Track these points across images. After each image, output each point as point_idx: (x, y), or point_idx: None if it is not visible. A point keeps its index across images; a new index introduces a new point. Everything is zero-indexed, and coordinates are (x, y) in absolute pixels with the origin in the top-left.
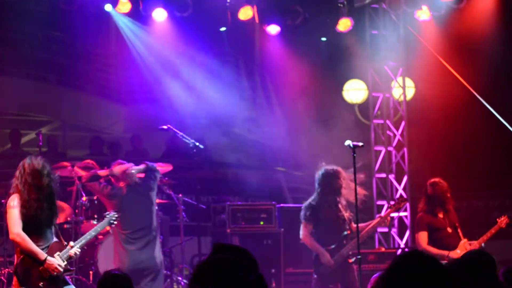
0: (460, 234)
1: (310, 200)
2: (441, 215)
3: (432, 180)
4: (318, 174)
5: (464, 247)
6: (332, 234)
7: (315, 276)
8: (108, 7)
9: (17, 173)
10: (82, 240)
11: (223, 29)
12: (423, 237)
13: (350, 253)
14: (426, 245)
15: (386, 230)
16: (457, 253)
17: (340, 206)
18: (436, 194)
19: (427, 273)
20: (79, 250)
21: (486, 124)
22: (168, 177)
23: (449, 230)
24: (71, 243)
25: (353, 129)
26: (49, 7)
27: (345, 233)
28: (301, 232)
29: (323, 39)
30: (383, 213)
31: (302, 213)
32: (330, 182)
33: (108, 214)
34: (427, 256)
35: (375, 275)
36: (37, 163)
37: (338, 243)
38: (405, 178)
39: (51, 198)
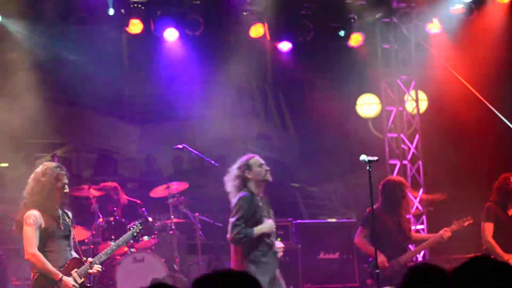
0: None
1: (374, 206)
2: (510, 212)
3: (507, 174)
4: (383, 183)
5: None
6: (390, 242)
7: (370, 280)
8: (111, 11)
9: (33, 183)
10: (103, 256)
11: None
12: (489, 229)
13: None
14: (490, 238)
15: None
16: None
17: (400, 216)
18: (509, 189)
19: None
20: (100, 266)
21: (500, 135)
22: (184, 196)
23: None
24: (90, 259)
25: (367, 143)
26: (60, 27)
27: (403, 243)
28: (356, 236)
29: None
30: (445, 229)
31: (362, 218)
32: (394, 191)
33: (132, 227)
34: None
35: None
36: (57, 167)
37: (395, 251)
38: (420, 191)
39: (68, 207)
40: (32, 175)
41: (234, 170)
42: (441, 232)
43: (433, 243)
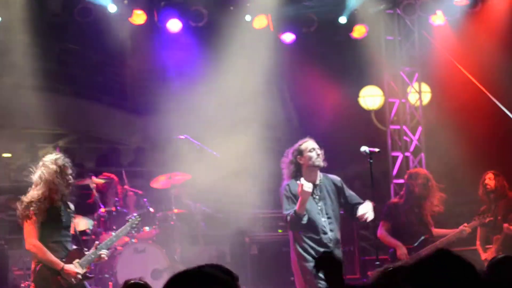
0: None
1: (395, 199)
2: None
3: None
4: (408, 176)
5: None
6: (411, 236)
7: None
8: (112, 8)
9: (37, 174)
10: (103, 246)
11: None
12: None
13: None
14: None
15: None
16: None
17: (423, 210)
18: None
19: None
20: (107, 252)
21: (503, 127)
22: (186, 187)
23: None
24: (97, 244)
25: (370, 135)
26: (64, 19)
27: (423, 237)
28: (378, 230)
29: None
30: (465, 225)
31: (383, 211)
32: (417, 185)
33: (130, 218)
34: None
35: None
36: (60, 158)
37: (417, 245)
38: None
39: (70, 196)
40: (37, 166)
41: (288, 155)
42: (461, 227)
43: (453, 238)
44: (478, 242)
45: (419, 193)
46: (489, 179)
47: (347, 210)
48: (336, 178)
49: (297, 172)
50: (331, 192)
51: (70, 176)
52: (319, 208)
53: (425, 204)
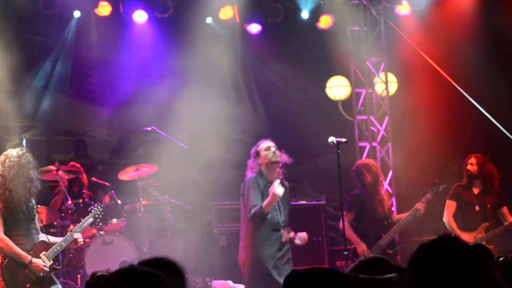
0: (503, 215)
1: (356, 191)
2: (476, 191)
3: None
4: (357, 166)
5: (481, 229)
6: (373, 224)
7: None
8: (76, 14)
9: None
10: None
11: (208, 21)
12: (450, 207)
13: (388, 244)
14: (450, 216)
15: None
16: (470, 235)
17: (380, 195)
18: (466, 169)
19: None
20: (80, 235)
21: (469, 117)
22: (153, 179)
23: (477, 208)
24: (71, 228)
25: (337, 126)
26: (28, 11)
27: (384, 222)
28: (341, 221)
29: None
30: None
31: (347, 202)
32: (371, 173)
33: (93, 209)
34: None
35: None
36: (19, 154)
37: (377, 233)
38: (390, 173)
39: (34, 191)
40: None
41: (251, 158)
42: (416, 205)
43: (409, 218)
44: (449, 217)
45: (373, 182)
46: (471, 164)
47: None
48: (287, 182)
49: (260, 171)
50: (287, 194)
51: (32, 171)
52: (277, 205)
53: (380, 189)
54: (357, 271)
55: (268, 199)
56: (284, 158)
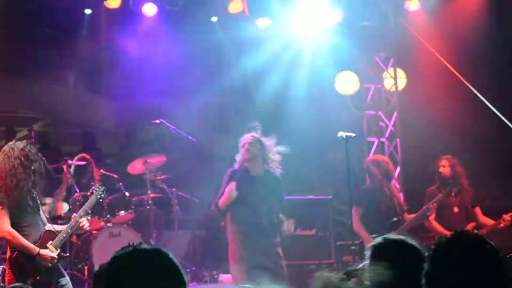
0: (475, 215)
1: (365, 186)
2: (453, 193)
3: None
4: (369, 162)
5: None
6: (382, 220)
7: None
8: (87, 11)
9: (1, 160)
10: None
11: (214, 19)
12: (431, 212)
13: None
14: (433, 220)
15: None
16: None
17: (391, 193)
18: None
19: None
20: (85, 220)
21: (478, 113)
22: (161, 171)
23: (456, 209)
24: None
25: (346, 121)
26: (37, 1)
27: (394, 219)
28: (353, 216)
29: None
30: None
31: (356, 197)
32: (381, 168)
33: (94, 191)
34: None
35: None
36: (24, 146)
37: (387, 229)
38: (398, 169)
39: (39, 184)
40: (1, 155)
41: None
42: (427, 205)
43: (420, 216)
44: (434, 222)
45: (383, 177)
46: (443, 167)
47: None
48: (278, 174)
49: (243, 165)
50: (271, 185)
51: (36, 164)
52: (259, 197)
53: (390, 185)
54: (376, 253)
55: (225, 197)
56: (266, 144)
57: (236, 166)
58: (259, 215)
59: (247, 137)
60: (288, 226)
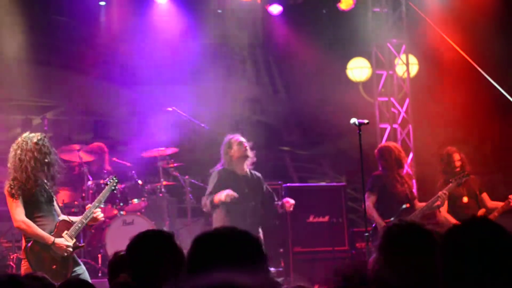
0: (483, 201)
1: (377, 172)
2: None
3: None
4: (379, 149)
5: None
6: (393, 206)
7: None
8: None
9: (14, 152)
10: (88, 214)
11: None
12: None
13: None
14: (445, 213)
15: None
16: None
17: (403, 179)
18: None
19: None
20: (100, 210)
21: (491, 99)
22: (174, 159)
23: (465, 199)
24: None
25: (358, 107)
26: None
27: (404, 206)
28: (367, 203)
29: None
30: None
31: (368, 183)
32: (392, 155)
33: (108, 182)
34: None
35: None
36: (37, 139)
37: (397, 216)
38: (410, 155)
39: (52, 175)
40: (14, 146)
41: (222, 148)
42: (439, 193)
43: (430, 205)
44: (446, 213)
45: (395, 164)
46: (458, 161)
47: (264, 201)
48: (258, 173)
49: (230, 162)
50: (256, 183)
51: (50, 156)
52: (246, 193)
53: (402, 171)
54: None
55: (218, 198)
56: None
57: (220, 165)
58: (244, 212)
59: (237, 136)
60: (283, 203)
